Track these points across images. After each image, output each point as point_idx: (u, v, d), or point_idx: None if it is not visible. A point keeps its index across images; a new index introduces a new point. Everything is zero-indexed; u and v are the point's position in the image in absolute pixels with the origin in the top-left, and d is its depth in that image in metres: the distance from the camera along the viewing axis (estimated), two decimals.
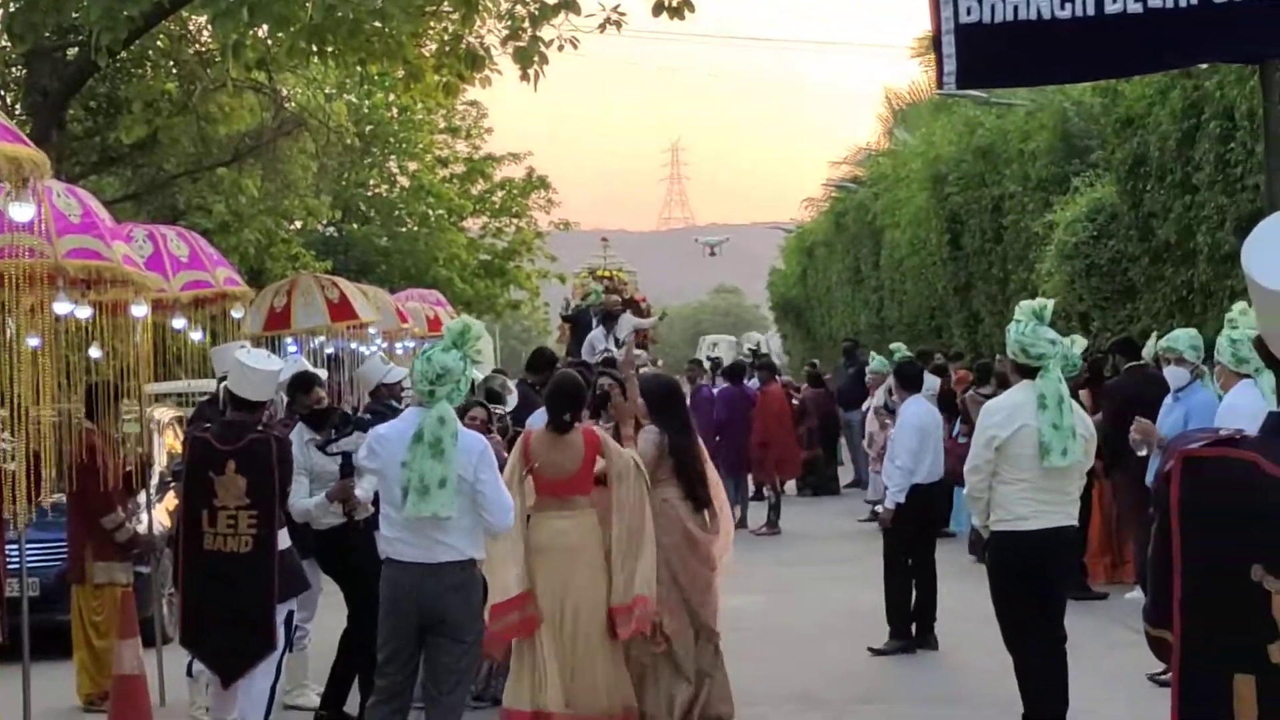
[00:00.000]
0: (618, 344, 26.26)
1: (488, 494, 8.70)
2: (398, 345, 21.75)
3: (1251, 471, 3.48)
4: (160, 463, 14.91)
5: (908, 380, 15.13)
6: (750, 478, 25.99)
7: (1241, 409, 9.62)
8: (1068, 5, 6.40)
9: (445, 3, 19.36)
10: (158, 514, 13.67)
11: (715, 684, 11.37)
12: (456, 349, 8.84)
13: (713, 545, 11.48)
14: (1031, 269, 23.18)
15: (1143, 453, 12.91)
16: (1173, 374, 12.39)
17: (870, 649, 14.10)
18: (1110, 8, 6.35)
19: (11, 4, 19.05)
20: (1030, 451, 9.90)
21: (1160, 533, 3.58)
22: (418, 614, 8.75)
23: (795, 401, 27.49)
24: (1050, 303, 10.45)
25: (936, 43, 6.23)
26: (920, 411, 14.53)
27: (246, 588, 9.97)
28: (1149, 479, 12.20)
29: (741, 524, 24.32)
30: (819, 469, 28.90)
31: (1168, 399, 12.91)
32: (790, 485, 27.28)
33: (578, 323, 29.19)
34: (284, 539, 10.32)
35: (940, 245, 29.49)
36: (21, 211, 7.90)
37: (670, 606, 11.19)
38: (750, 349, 42.54)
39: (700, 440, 11.91)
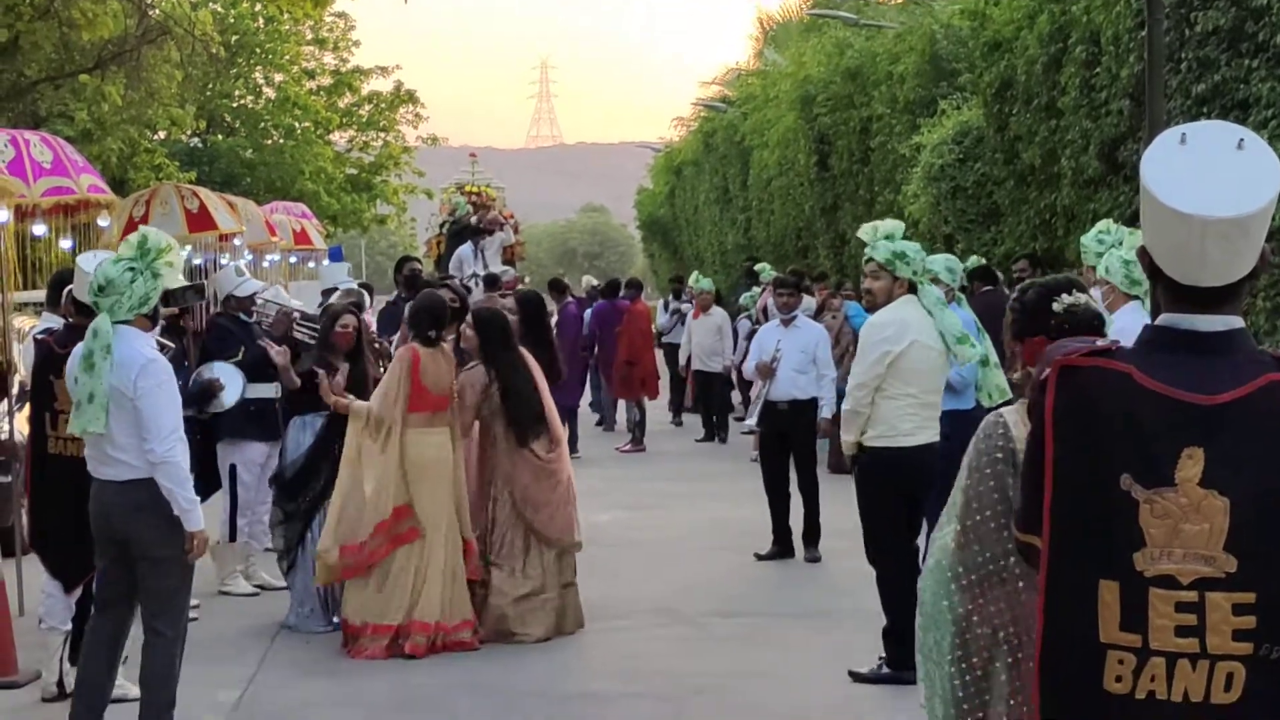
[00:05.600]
0: (485, 263, 26.22)
1: (144, 411, 8.24)
2: (265, 258, 21.54)
3: (1126, 382, 3.54)
4: (22, 371, 14.65)
5: None
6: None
7: (1130, 331, 9.66)
8: None
9: None
10: (19, 422, 13.45)
11: (568, 601, 11.64)
12: (133, 263, 8.42)
13: (554, 466, 11.66)
14: (898, 190, 23.28)
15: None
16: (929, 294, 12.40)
17: (756, 555, 14.33)
18: None
19: None
20: (921, 366, 9.97)
21: (1033, 439, 3.64)
22: (109, 530, 8.50)
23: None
24: (898, 225, 10.52)
25: None
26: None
27: (85, 493, 9.85)
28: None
29: (636, 439, 24.62)
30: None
31: None
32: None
33: (455, 236, 28.84)
34: None
35: (808, 166, 29.54)
36: None
37: (513, 526, 11.48)
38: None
39: (535, 372, 11.84)
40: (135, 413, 8.27)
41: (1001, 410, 5.22)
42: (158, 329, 10.20)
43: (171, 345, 11.94)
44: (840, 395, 13.67)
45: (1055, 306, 5.31)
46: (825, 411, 14.59)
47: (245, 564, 13.18)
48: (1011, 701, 5.00)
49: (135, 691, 8.75)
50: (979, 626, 5.03)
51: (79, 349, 8.46)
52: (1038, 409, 3.61)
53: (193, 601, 12.14)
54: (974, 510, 4.98)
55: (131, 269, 8.39)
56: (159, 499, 8.30)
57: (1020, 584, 4.89)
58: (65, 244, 12.66)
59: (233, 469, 13.02)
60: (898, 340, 9.94)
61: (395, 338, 13.39)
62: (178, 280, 8.79)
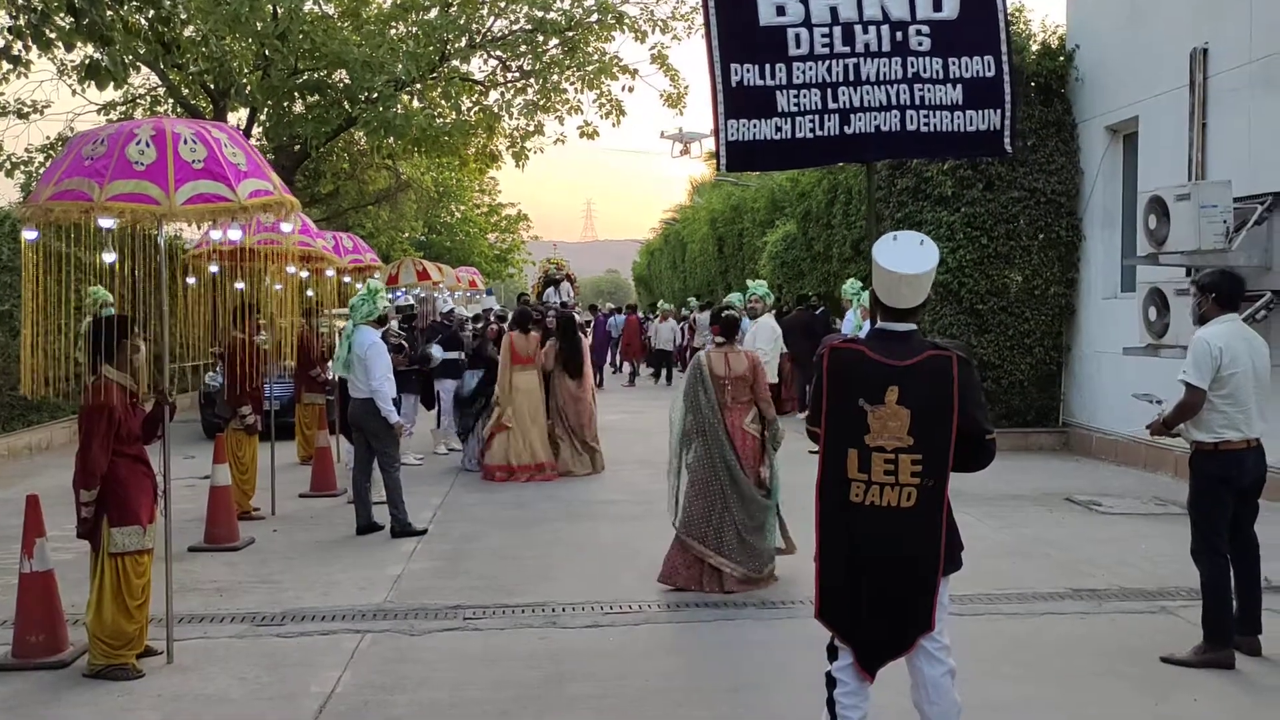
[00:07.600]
0: (558, 297, 26.01)
1: (366, 365, 8.11)
2: (454, 293, 21.37)
3: (862, 354, 3.49)
4: (335, 345, 14.46)
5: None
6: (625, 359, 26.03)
7: (866, 330, 9.60)
8: (826, 125, 5.46)
9: (480, 128, 18.96)
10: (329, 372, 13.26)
11: (596, 459, 11.48)
12: (365, 297, 8.31)
13: (582, 393, 11.45)
14: (755, 263, 23.11)
15: None
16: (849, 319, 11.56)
17: None
18: (848, 130, 5.46)
19: (264, 124, 18.44)
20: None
21: (817, 380, 3.57)
22: (357, 421, 8.28)
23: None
24: (762, 281, 10.36)
25: (717, 149, 5.45)
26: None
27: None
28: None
29: (631, 382, 24.36)
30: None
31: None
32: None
33: (546, 284, 28.70)
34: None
35: (712, 251, 29.34)
36: (286, 226, 6.93)
37: (561, 429, 11.29)
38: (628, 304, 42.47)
39: (584, 344, 11.67)
40: (363, 365, 8.16)
41: (699, 352, 6.42)
42: (389, 327, 10.05)
43: (404, 334, 11.85)
44: None
45: (723, 314, 6.50)
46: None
47: (446, 439, 13.06)
48: (695, 443, 6.30)
49: (381, 495, 8.59)
50: (688, 425, 6.36)
51: (342, 336, 8.42)
52: (819, 365, 3.52)
53: (419, 456, 12.13)
54: (686, 392, 6.31)
55: (364, 299, 8.35)
56: (373, 408, 8.19)
57: (703, 413, 6.27)
58: (359, 286, 12.32)
59: (439, 393, 12.88)
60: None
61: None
62: (385, 305, 8.61)
